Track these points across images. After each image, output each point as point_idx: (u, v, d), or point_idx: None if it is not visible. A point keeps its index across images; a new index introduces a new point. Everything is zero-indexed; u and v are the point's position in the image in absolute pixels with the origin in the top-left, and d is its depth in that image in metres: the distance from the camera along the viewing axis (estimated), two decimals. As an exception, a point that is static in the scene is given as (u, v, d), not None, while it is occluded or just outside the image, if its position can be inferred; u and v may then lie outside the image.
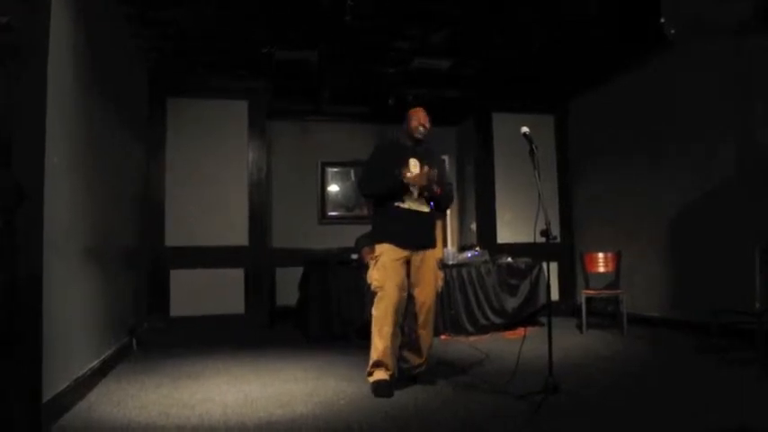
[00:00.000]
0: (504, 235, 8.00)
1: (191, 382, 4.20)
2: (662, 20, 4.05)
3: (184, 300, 6.74)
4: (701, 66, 5.82)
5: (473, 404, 3.48)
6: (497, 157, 8.12)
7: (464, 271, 6.56)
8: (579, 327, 6.35)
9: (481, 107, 8.23)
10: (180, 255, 6.78)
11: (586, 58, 6.67)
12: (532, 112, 7.93)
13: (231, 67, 6.82)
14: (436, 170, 3.98)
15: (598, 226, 7.68)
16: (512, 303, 6.62)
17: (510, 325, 6.49)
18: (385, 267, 3.85)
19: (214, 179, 7.02)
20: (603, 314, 7.03)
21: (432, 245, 4.06)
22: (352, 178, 8.86)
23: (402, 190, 3.89)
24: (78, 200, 3.85)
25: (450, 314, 6.36)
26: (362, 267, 4.91)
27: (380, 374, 3.76)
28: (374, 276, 3.91)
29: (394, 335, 3.83)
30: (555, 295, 7.95)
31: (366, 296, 3.99)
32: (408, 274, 3.94)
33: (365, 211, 8.55)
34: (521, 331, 5.89)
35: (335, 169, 9.01)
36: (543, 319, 6.47)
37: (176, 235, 6.83)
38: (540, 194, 3.61)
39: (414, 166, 3.98)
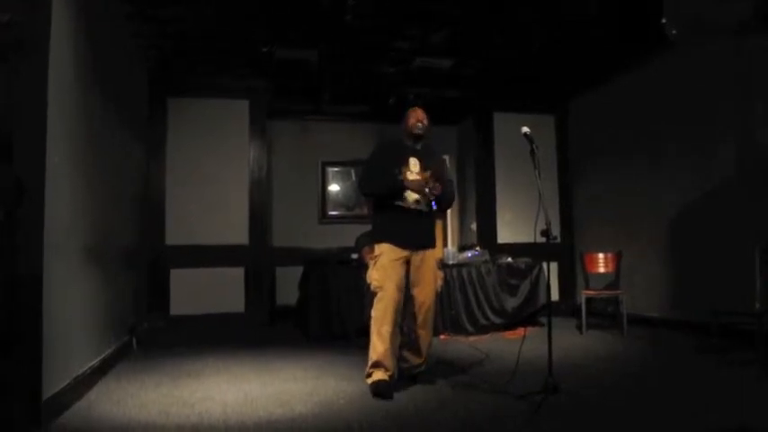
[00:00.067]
0: (505, 235, 8.00)
1: (191, 380, 4.20)
2: (663, 20, 4.05)
3: (184, 298, 6.73)
4: (701, 66, 5.82)
5: (473, 404, 3.48)
6: (498, 156, 8.12)
7: (464, 271, 6.56)
8: (579, 327, 6.35)
9: (481, 107, 8.23)
10: (180, 253, 6.78)
11: (586, 58, 6.67)
12: (533, 112, 7.94)
13: (232, 67, 6.82)
14: (435, 183, 3.96)
15: (598, 226, 7.68)
16: (512, 303, 6.62)
17: (510, 325, 6.49)
18: (384, 267, 3.85)
19: (215, 178, 7.02)
20: (603, 314, 7.02)
21: (431, 245, 4.06)
22: (353, 178, 8.85)
23: (402, 190, 3.89)
24: (78, 199, 3.85)
25: (451, 314, 6.36)
26: (362, 267, 4.91)
27: (380, 375, 3.75)
28: (374, 276, 3.91)
29: (393, 335, 3.82)
30: (555, 295, 7.95)
31: (366, 296, 3.98)
32: (408, 274, 3.94)
33: (365, 211, 8.55)
34: (521, 331, 5.89)
35: (336, 169, 9.01)
36: (543, 320, 6.47)
37: (177, 234, 6.83)
38: (540, 194, 3.61)
39: (414, 166, 3.97)
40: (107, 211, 4.69)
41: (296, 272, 7.04)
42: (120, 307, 5.14)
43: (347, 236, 7.15)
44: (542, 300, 6.58)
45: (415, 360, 4.08)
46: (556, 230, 4.03)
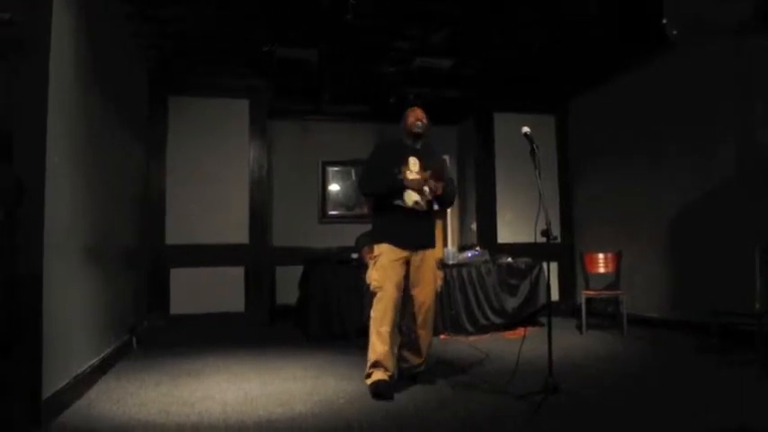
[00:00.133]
0: (505, 235, 8.00)
1: (190, 380, 4.20)
2: (664, 21, 4.05)
3: (184, 298, 6.73)
4: (701, 66, 5.82)
5: (473, 404, 3.48)
6: (498, 156, 8.12)
7: (464, 271, 6.56)
8: (579, 327, 6.35)
9: (481, 107, 8.23)
10: (180, 253, 6.78)
11: (587, 58, 6.67)
12: (533, 112, 7.94)
13: (232, 66, 6.82)
14: (437, 183, 3.95)
15: (598, 226, 7.68)
16: (512, 303, 6.62)
17: (510, 325, 6.49)
18: (384, 268, 3.84)
19: (215, 177, 7.02)
20: (603, 315, 7.02)
21: (431, 245, 4.05)
22: (353, 177, 8.86)
23: (402, 189, 3.88)
24: (78, 198, 3.85)
25: (451, 314, 6.36)
26: (362, 267, 4.91)
27: (379, 375, 3.73)
28: (373, 277, 3.90)
29: (392, 335, 3.82)
30: (555, 295, 7.94)
31: (366, 296, 3.99)
32: (408, 275, 3.93)
33: (365, 211, 8.55)
34: (521, 331, 5.89)
35: (336, 168, 9.01)
36: (543, 320, 6.46)
37: (177, 233, 6.83)
38: (540, 194, 3.61)
39: (413, 165, 3.97)
40: (107, 210, 4.69)
41: (296, 271, 7.04)
42: (120, 306, 5.15)
43: (347, 235, 7.15)
44: (542, 300, 6.58)
45: (414, 360, 4.08)
46: (556, 230, 4.03)
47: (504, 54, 6.54)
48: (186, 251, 6.81)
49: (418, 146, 4.09)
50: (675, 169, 6.20)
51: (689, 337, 5.61)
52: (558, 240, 6.93)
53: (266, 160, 7.38)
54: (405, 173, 3.89)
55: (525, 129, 3.86)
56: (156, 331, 6.05)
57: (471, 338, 6.05)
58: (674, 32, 4.02)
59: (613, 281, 6.94)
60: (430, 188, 3.89)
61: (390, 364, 3.79)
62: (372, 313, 3.84)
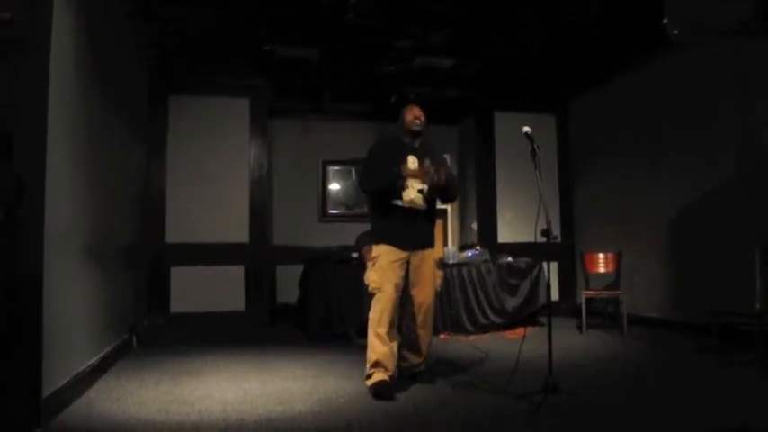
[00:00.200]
0: (505, 234, 8.00)
1: (190, 378, 4.20)
2: (665, 20, 4.04)
3: (185, 297, 6.74)
4: (701, 66, 5.82)
5: (473, 403, 3.48)
6: (498, 156, 8.13)
7: (464, 270, 6.57)
8: (579, 327, 6.35)
9: (482, 107, 8.24)
10: (180, 252, 6.79)
11: (587, 59, 6.67)
12: (533, 112, 7.94)
13: (232, 66, 6.82)
14: (439, 168, 3.95)
15: (598, 226, 7.68)
16: (512, 303, 6.62)
17: (510, 324, 6.50)
18: (383, 269, 3.83)
19: (215, 176, 7.02)
20: (603, 314, 7.03)
21: (430, 244, 4.05)
22: (353, 177, 8.86)
23: (401, 187, 3.86)
24: (79, 197, 3.85)
25: (451, 313, 6.36)
26: (363, 266, 4.91)
27: (380, 376, 3.72)
28: (372, 278, 3.90)
29: (391, 336, 3.82)
30: (555, 295, 7.95)
31: (366, 296, 3.98)
32: (407, 275, 3.93)
33: (366, 210, 8.53)
34: (521, 331, 5.89)
35: (336, 167, 9.01)
36: (543, 319, 6.46)
37: (177, 232, 6.83)
38: (540, 194, 3.61)
39: (412, 163, 3.96)
40: (107, 209, 4.69)
41: (296, 270, 7.04)
42: (121, 305, 5.15)
43: (347, 234, 7.13)
44: (542, 299, 6.58)
45: (414, 359, 4.08)
46: (556, 230, 4.03)
47: (505, 54, 6.54)
48: (186, 250, 6.81)
49: (417, 144, 4.09)
50: (675, 169, 6.20)
51: (689, 337, 5.61)
52: (559, 240, 6.95)
53: (267, 159, 7.38)
54: (405, 169, 3.88)
55: (526, 128, 3.86)
56: (156, 330, 6.06)
57: (471, 338, 6.05)
58: (675, 32, 4.01)
59: (613, 281, 6.94)
60: (432, 175, 3.86)
61: (391, 363, 3.79)
62: (370, 314, 3.84)
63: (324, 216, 8.91)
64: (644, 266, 6.65)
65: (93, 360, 4.08)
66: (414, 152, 4.01)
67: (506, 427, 3.04)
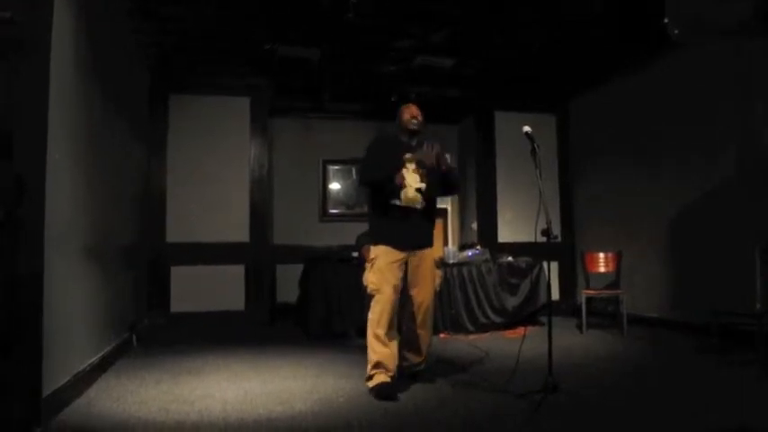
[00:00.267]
0: (505, 234, 8.00)
1: (190, 378, 4.20)
2: (665, 20, 4.04)
3: (185, 296, 6.74)
4: (701, 66, 5.82)
5: (473, 403, 3.48)
6: (499, 156, 8.12)
7: (464, 270, 6.57)
8: (579, 326, 6.35)
9: (482, 106, 8.24)
10: (181, 251, 6.79)
11: (587, 59, 6.66)
12: (534, 112, 7.94)
13: (233, 65, 6.82)
14: (444, 156, 3.94)
15: (598, 226, 7.68)
16: (512, 302, 6.62)
17: (510, 324, 6.50)
18: (381, 270, 3.82)
19: (215, 176, 7.02)
20: (604, 314, 7.03)
21: (429, 244, 4.04)
22: (354, 176, 8.87)
23: (401, 186, 3.85)
24: (79, 197, 3.85)
25: (451, 313, 6.36)
26: (363, 265, 4.91)
27: (381, 377, 3.72)
28: (370, 279, 3.89)
29: (391, 336, 3.82)
30: (555, 295, 7.95)
31: (366, 296, 3.98)
32: (406, 275, 3.92)
33: (366, 209, 8.55)
34: (521, 330, 5.89)
35: (337, 167, 9.01)
36: (543, 319, 6.46)
37: (177, 231, 6.83)
38: (541, 193, 3.61)
39: (410, 162, 3.96)
40: (107, 208, 4.69)
41: (296, 270, 7.04)
42: (121, 304, 5.15)
43: (348, 234, 7.15)
44: (543, 299, 6.59)
45: (414, 359, 4.08)
46: (556, 230, 4.02)
47: (505, 54, 6.54)
48: (186, 249, 6.81)
49: (414, 142, 4.08)
50: (675, 169, 6.20)
51: (689, 337, 5.62)
52: (559, 240, 6.94)
53: (267, 158, 7.39)
54: (401, 171, 3.87)
55: (526, 128, 3.86)
56: (156, 329, 6.06)
57: (471, 337, 6.05)
58: (676, 32, 4.01)
59: (614, 280, 6.94)
60: (435, 163, 3.86)
61: (392, 364, 3.78)
62: (369, 315, 3.83)
63: (324, 215, 8.91)
64: (644, 266, 6.65)
65: (94, 359, 4.09)
66: (411, 151, 4.00)
67: (506, 426, 3.04)
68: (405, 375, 4.01)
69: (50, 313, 3.11)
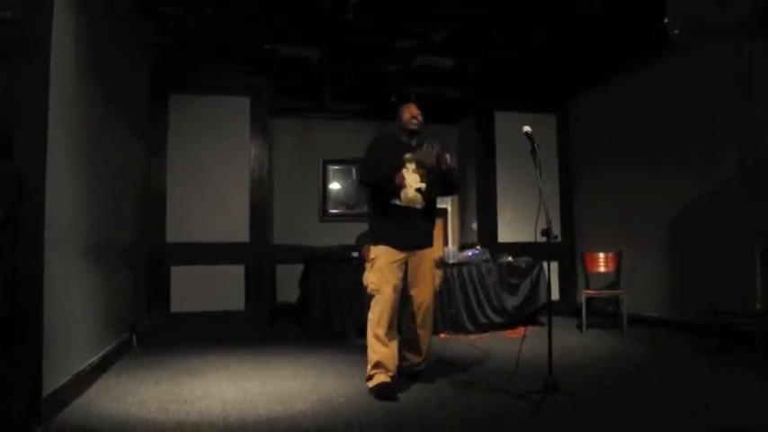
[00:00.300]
0: (505, 234, 8.00)
1: (190, 378, 4.20)
2: (665, 20, 4.04)
3: (185, 296, 6.73)
4: (701, 66, 5.81)
5: (473, 402, 3.48)
6: (499, 156, 8.12)
7: (465, 270, 6.57)
8: (579, 326, 6.35)
9: (482, 106, 8.23)
10: (181, 251, 6.79)
11: (587, 59, 6.66)
12: (534, 112, 7.92)
13: (233, 65, 6.82)
14: (443, 157, 3.94)
15: (599, 226, 7.68)
16: (512, 302, 6.62)
17: (510, 324, 6.49)
18: (381, 270, 3.82)
19: (215, 175, 7.02)
20: (604, 314, 7.02)
21: (429, 244, 4.04)
22: (354, 176, 8.87)
23: (401, 186, 3.85)
24: (79, 196, 3.85)
25: (451, 313, 6.36)
26: (363, 265, 4.91)
27: (381, 377, 3.72)
28: (370, 279, 3.88)
29: (391, 336, 3.81)
30: (555, 295, 7.95)
31: (366, 296, 3.98)
32: (406, 275, 3.91)
33: (366, 209, 8.56)
34: (521, 330, 5.89)
35: (337, 167, 9.01)
36: (543, 319, 6.47)
37: (177, 231, 6.82)
38: (541, 193, 3.61)
39: (409, 162, 3.96)
40: (107, 208, 4.69)
41: (296, 269, 7.04)
42: (121, 304, 5.15)
43: (348, 234, 7.15)
44: (543, 299, 6.58)
45: (414, 359, 4.07)
46: (556, 230, 4.01)
47: (505, 53, 6.54)
48: (187, 249, 6.81)
49: (414, 143, 4.07)
50: (676, 169, 6.20)
51: (689, 337, 5.61)
52: (559, 240, 6.94)
53: (267, 158, 7.38)
54: (402, 171, 3.88)
55: (526, 128, 3.86)
56: (156, 329, 6.06)
57: (471, 337, 6.05)
58: (676, 32, 4.01)
59: (614, 280, 6.94)
60: (436, 162, 3.86)
61: (392, 364, 3.78)
62: (369, 315, 3.83)
63: (324, 215, 8.91)
64: (644, 266, 6.65)
65: (94, 359, 4.09)
66: (411, 151, 4.00)
67: (506, 426, 3.04)
68: (405, 375, 4.01)
69: (50, 313, 3.12)
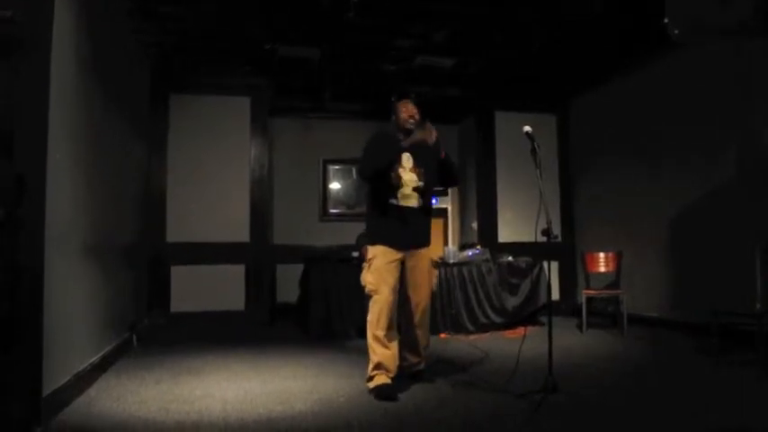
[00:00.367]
0: (505, 234, 7.99)
1: (190, 378, 4.21)
2: (665, 20, 4.04)
3: (185, 296, 6.74)
4: (701, 66, 5.81)
5: (473, 402, 3.48)
6: (499, 155, 8.12)
7: (465, 269, 6.57)
8: (579, 326, 6.36)
9: (482, 106, 8.23)
10: (181, 251, 6.79)
11: (587, 59, 6.66)
12: (534, 112, 7.93)
13: (233, 65, 6.82)
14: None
15: (599, 226, 7.68)
16: (512, 302, 6.62)
17: (510, 324, 6.49)
18: (379, 270, 3.81)
19: (215, 175, 7.02)
20: (604, 314, 7.02)
21: (426, 243, 4.03)
22: (354, 176, 8.86)
23: (398, 185, 3.85)
24: (80, 196, 3.85)
25: (451, 313, 6.36)
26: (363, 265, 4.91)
27: (382, 378, 3.72)
28: (368, 279, 3.87)
29: (391, 337, 3.81)
30: (555, 295, 7.94)
31: (366, 296, 3.98)
32: (403, 275, 3.91)
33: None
34: (521, 330, 5.89)
35: (337, 167, 9.02)
36: (543, 319, 6.47)
37: (177, 231, 6.83)
38: (541, 193, 3.61)
39: (406, 162, 3.96)
40: (108, 208, 4.69)
41: (297, 269, 7.04)
42: (121, 304, 5.15)
43: (348, 234, 7.15)
44: (543, 299, 6.58)
45: (413, 359, 4.07)
46: (556, 230, 4.01)
47: (505, 53, 6.54)
48: (187, 249, 6.81)
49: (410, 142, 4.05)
50: (676, 169, 6.20)
51: (689, 337, 5.61)
52: (559, 239, 6.95)
53: (267, 158, 7.38)
54: (398, 170, 3.87)
55: (526, 128, 3.86)
56: (156, 329, 6.06)
57: (471, 337, 6.05)
58: (676, 32, 4.00)
59: (614, 280, 6.94)
60: (435, 140, 3.85)
61: (392, 365, 3.78)
62: (368, 316, 3.83)
63: (324, 215, 8.92)
64: (644, 266, 6.65)
65: (94, 359, 4.09)
66: (408, 150, 3.98)
67: (506, 426, 3.04)
68: (405, 375, 4.01)
69: (50, 313, 3.12)
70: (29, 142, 2.97)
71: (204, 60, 6.66)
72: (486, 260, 6.76)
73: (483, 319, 6.46)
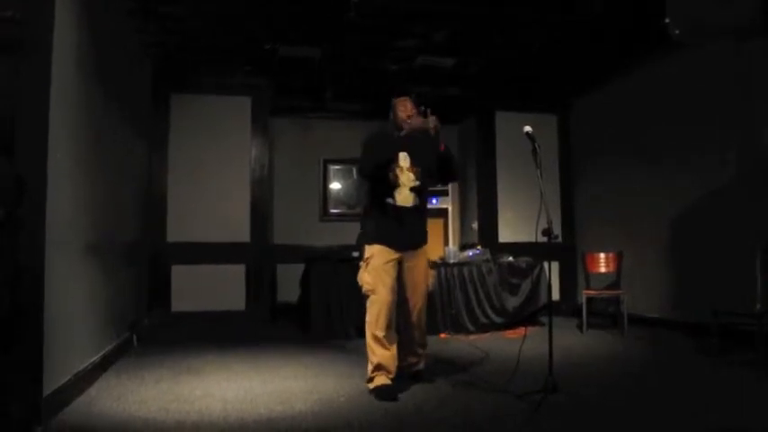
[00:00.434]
0: (506, 234, 8.00)
1: (191, 377, 4.21)
2: (666, 20, 4.05)
3: (185, 295, 6.75)
4: (701, 66, 5.81)
5: (473, 403, 3.48)
6: (499, 155, 8.12)
7: (465, 269, 6.56)
8: (580, 327, 6.36)
9: (483, 106, 8.23)
10: (181, 250, 6.80)
11: (587, 59, 6.66)
12: (535, 112, 7.93)
13: (234, 64, 6.83)
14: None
15: (599, 226, 7.68)
16: (512, 302, 6.62)
17: (510, 324, 6.49)
18: (376, 270, 3.80)
19: (216, 175, 7.03)
20: (604, 314, 7.02)
21: (424, 242, 4.03)
22: (354, 176, 8.87)
23: (395, 184, 3.86)
24: (80, 195, 3.85)
25: (451, 313, 6.36)
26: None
27: (382, 379, 3.71)
28: (365, 279, 3.86)
29: (390, 337, 3.81)
30: (556, 295, 7.95)
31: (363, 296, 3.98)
32: (400, 275, 3.90)
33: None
34: (521, 330, 5.89)
35: (337, 167, 9.02)
36: (544, 319, 6.47)
37: (178, 231, 6.84)
38: (541, 193, 3.61)
39: (403, 160, 3.95)
40: (108, 207, 4.69)
41: (297, 269, 7.05)
42: (121, 303, 5.15)
43: (348, 233, 7.16)
44: (543, 299, 6.59)
45: (411, 359, 4.07)
46: (557, 230, 4.01)
47: (506, 53, 6.54)
48: (187, 248, 6.82)
49: (407, 139, 4.04)
50: (676, 169, 6.20)
51: (689, 337, 5.62)
52: (559, 240, 6.94)
53: (267, 158, 7.39)
54: (395, 169, 3.87)
55: (527, 128, 3.85)
56: (156, 328, 6.06)
57: (472, 337, 6.05)
58: (676, 32, 4.01)
59: (614, 281, 6.94)
60: (432, 126, 3.82)
61: (392, 365, 3.78)
62: (367, 317, 3.82)
63: (324, 215, 8.92)
64: (644, 266, 6.65)
65: (94, 358, 4.09)
66: (405, 149, 3.98)
67: (506, 426, 3.04)
68: (404, 375, 4.01)
69: (51, 312, 3.12)
70: (29, 142, 2.97)
71: (205, 60, 6.67)
72: (487, 260, 6.76)
73: (483, 320, 6.46)
